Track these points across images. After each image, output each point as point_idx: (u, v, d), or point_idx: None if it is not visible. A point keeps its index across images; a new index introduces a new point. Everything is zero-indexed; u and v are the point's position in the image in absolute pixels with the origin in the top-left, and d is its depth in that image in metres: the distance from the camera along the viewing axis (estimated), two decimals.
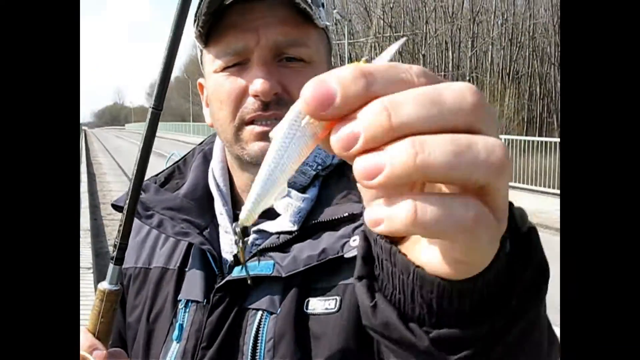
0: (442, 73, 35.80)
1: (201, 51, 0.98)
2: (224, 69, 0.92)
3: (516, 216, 0.46)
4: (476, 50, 36.90)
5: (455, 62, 36.74)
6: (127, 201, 0.90)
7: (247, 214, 0.41)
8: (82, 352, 0.87)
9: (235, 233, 0.45)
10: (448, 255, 0.40)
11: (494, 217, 0.37)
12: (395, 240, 0.45)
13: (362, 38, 36.72)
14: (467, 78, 35.26)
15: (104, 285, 0.91)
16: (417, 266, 0.43)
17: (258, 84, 0.88)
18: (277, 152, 0.38)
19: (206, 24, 0.90)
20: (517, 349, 0.47)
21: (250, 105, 0.90)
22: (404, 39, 0.43)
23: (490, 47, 37.14)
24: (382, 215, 0.36)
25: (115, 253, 0.92)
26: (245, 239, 0.98)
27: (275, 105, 0.89)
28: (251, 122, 0.91)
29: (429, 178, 0.35)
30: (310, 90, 0.36)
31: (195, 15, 0.90)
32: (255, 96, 0.89)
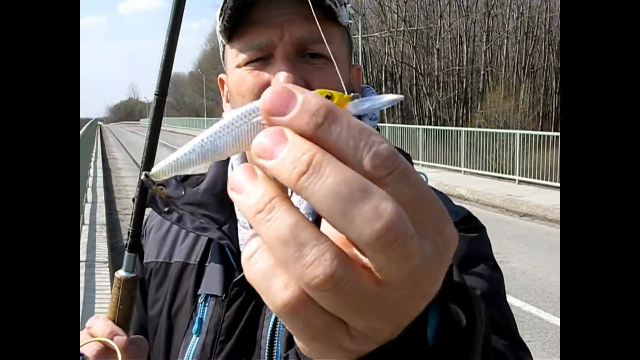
0: (457, 67, 35.63)
1: (224, 46, 0.99)
2: (247, 64, 0.92)
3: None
4: (491, 44, 36.67)
5: (470, 56, 36.54)
6: (139, 186, 0.92)
7: (159, 170, 0.41)
8: (103, 339, 0.88)
9: (144, 183, 0.43)
10: None
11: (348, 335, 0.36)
12: None
13: (376, 32, 36.63)
14: (482, 72, 35.05)
15: (120, 273, 0.93)
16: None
17: (281, 78, 0.88)
18: (219, 131, 0.38)
19: (231, 19, 0.90)
20: None
21: None
22: (401, 97, 0.40)
23: (505, 41, 36.90)
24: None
25: (129, 241, 0.94)
26: None
27: None
28: None
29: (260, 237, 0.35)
30: (274, 90, 0.35)
31: (221, 10, 0.90)
32: None
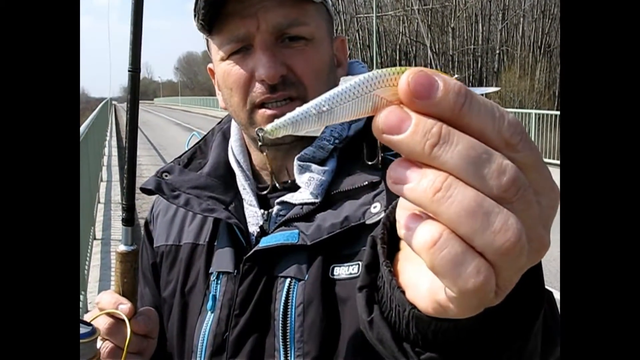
0: (472, 46, 35.26)
1: (207, 40, 1.01)
2: (229, 57, 0.95)
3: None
4: (507, 23, 36.20)
5: (485, 35, 36.11)
6: (126, 162, 0.98)
7: (275, 126, 0.41)
8: (108, 310, 0.94)
9: (261, 138, 0.42)
10: (433, 297, 0.41)
11: (496, 289, 0.38)
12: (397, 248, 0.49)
13: (390, 11, 36.30)
14: (497, 51, 34.67)
15: (121, 247, 0.99)
16: (413, 306, 0.44)
17: (262, 70, 0.90)
18: (336, 97, 0.39)
19: (207, 15, 0.92)
20: None
21: (259, 89, 0.93)
22: (495, 89, 0.45)
23: (521, 19, 36.42)
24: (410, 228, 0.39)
25: (123, 215, 1.00)
26: (270, 209, 1.02)
27: (282, 86, 0.92)
28: (261, 105, 0.94)
29: (439, 218, 0.37)
30: (417, 76, 0.37)
31: (195, 10, 0.92)
32: (262, 81, 0.92)
